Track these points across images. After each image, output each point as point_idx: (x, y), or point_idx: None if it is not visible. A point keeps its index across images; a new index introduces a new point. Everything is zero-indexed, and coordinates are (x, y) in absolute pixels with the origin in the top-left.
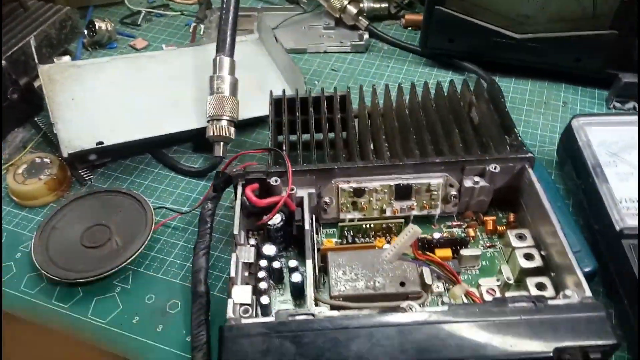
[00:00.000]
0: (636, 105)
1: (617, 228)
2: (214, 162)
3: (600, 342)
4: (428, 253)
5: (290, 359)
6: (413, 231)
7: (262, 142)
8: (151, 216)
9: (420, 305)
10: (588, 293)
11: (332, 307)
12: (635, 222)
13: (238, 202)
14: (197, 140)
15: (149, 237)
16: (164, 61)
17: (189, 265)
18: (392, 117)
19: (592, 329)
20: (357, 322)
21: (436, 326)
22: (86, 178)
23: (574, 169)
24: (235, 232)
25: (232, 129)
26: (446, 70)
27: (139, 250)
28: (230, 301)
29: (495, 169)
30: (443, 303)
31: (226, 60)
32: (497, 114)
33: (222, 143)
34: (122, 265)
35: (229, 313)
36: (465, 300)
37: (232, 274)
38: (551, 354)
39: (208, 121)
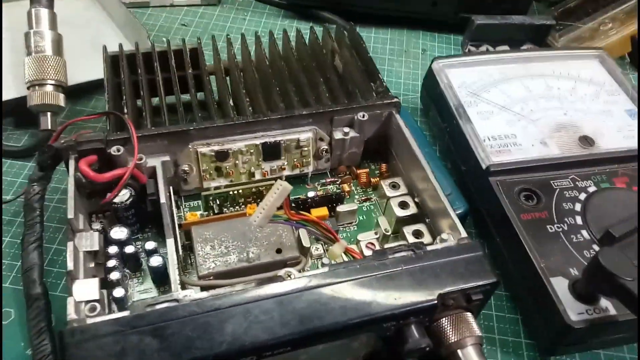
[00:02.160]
0: (489, 47)
1: (484, 166)
2: (42, 138)
3: (481, 282)
4: (302, 212)
5: (153, 358)
6: (282, 187)
7: (105, 106)
8: None
9: (299, 271)
10: (463, 234)
11: (203, 289)
12: (500, 159)
13: (71, 180)
14: (18, 113)
15: None
16: None
17: (20, 264)
18: (251, 70)
19: (471, 270)
20: (229, 301)
21: (317, 291)
22: None
23: (438, 112)
24: (70, 215)
25: (61, 95)
26: (306, 22)
27: None
28: (70, 300)
29: (363, 117)
30: (323, 265)
31: (44, 12)
32: (360, 61)
33: (48, 113)
34: None
35: (70, 314)
36: (345, 259)
37: (70, 266)
38: (435, 301)
39: (28, 88)
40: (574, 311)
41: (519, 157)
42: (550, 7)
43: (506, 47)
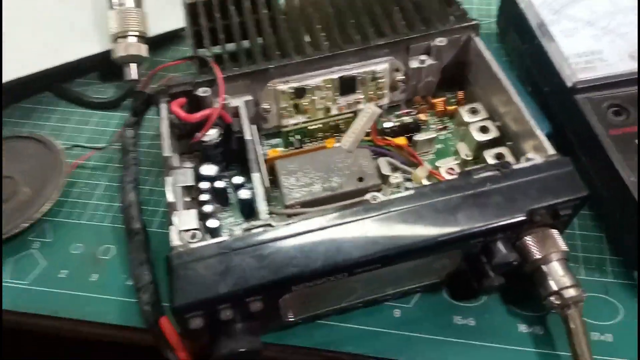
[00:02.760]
0: None
1: (569, 84)
2: (128, 88)
3: (573, 197)
4: (387, 138)
5: (255, 274)
6: (372, 111)
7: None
8: (62, 158)
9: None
10: (551, 151)
11: (291, 217)
12: (587, 75)
13: (164, 122)
14: (103, 67)
15: (62, 182)
16: None
17: (117, 205)
18: (324, 4)
19: (562, 185)
20: (319, 224)
21: (404, 211)
22: None
23: (517, 34)
24: (167, 153)
25: (144, 45)
26: None
27: (53, 198)
28: (172, 228)
29: (441, 42)
30: (407, 189)
31: None
32: None
33: (133, 64)
34: (36, 217)
35: (174, 240)
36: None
37: (170, 199)
38: (525, 217)
39: (113, 41)
40: None
41: (606, 72)
42: None
43: None
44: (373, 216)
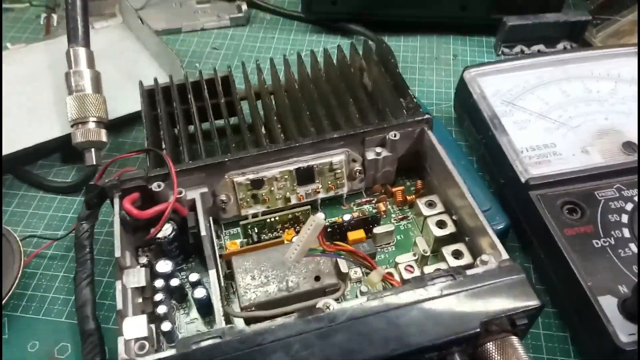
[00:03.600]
0: (524, 48)
1: (523, 180)
2: (88, 173)
3: (525, 307)
4: (336, 242)
5: None
6: (315, 223)
7: (144, 141)
8: (18, 248)
9: (338, 300)
10: (504, 255)
11: (246, 320)
12: (540, 171)
13: (116, 219)
14: (64, 149)
15: (19, 275)
16: (12, 62)
17: (74, 300)
18: (282, 95)
19: (515, 294)
20: (271, 336)
21: (356, 322)
22: None
23: (472, 123)
24: (117, 254)
25: (103, 130)
26: (334, 36)
27: (10, 292)
28: (120, 339)
29: (395, 136)
30: (362, 293)
31: (82, 51)
32: (389, 77)
33: (93, 149)
34: None
35: (121, 353)
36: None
37: (119, 306)
38: (478, 329)
39: (72, 126)
40: (624, 332)
41: (559, 168)
42: (585, 1)
43: (541, 47)
44: (324, 328)
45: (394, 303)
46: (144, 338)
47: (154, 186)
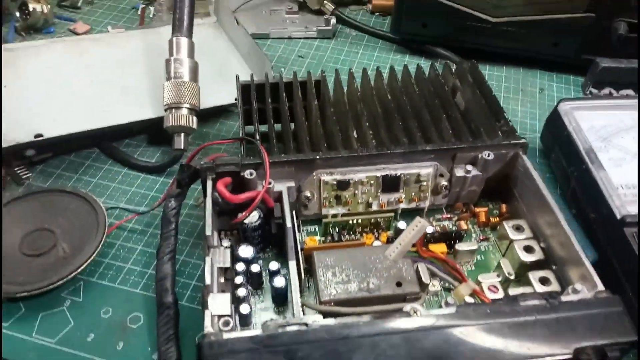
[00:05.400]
0: (612, 91)
1: (618, 216)
2: (174, 156)
3: (620, 340)
4: (431, 249)
5: None
6: (421, 225)
7: (226, 133)
8: (103, 218)
9: (423, 307)
10: (600, 286)
11: (322, 314)
12: (635, 209)
13: (209, 200)
14: (152, 131)
15: (102, 242)
16: (110, 44)
17: (151, 272)
18: (373, 103)
19: (610, 325)
20: (357, 331)
21: (445, 331)
22: (23, 176)
23: (563, 156)
24: (208, 233)
25: (194, 118)
26: (418, 57)
27: (91, 258)
28: (207, 313)
29: (488, 156)
30: (448, 304)
31: (184, 41)
32: (483, 99)
33: (182, 134)
34: (72, 275)
35: (207, 327)
36: (471, 300)
37: (208, 281)
38: (570, 355)
39: (166, 110)
40: None
41: None
42: None
43: (630, 91)
44: (412, 331)
45: (484, 317)
46: (228, 315)
47: (247, 174)
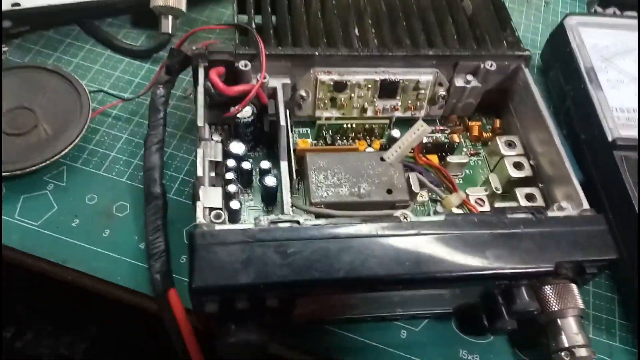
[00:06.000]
0: (617, 11)
1: (610, 138)
2: (161, 41)
3: (602, 257)
4: (427, 156)
5: (276, 271)
6: (422, 129)
7: (216, 21)
8: (87, 100)
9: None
10: (586, 205)
11: (315, 216)
12: (629, 133)
13: (200, 89)
14: (136, 12)
15: (86, 126)
16: None
17: (137, 162)
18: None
19: (594, 243)
20: (347, 231)
21: (434, 237)
22: None
23: (562, 73)
24: (200, 124)
25: None
26: None
27: (75, 141)
28: (199, 204)
29: (491, 66)
30: (437, 212)
31: None
32: (492, 5)
33: (170, 17)
34: (55, 157)
35: (199, 217)
36: (460, 211)
37: (200, 173)
38: (552, 268)
39: None
40: None
41: None
42: None
43: (634, 13)
44: (402, 235)
45: (473, 226)
46: (219, 209)
47: (241, 64)
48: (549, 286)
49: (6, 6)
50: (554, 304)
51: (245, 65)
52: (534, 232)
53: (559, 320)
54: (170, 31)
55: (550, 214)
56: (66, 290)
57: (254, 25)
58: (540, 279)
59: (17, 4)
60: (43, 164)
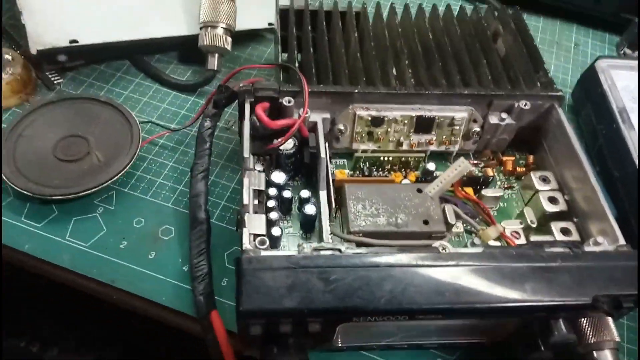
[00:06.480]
0: None
1: None
2: (207, 76)
3: (637, 292)
4: (466, 190)
5: (319, 297)
6: (463, 166)
7: (258, 59)
8: (137, 130)
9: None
10: (622, 241)
11: (349, 243)
12: None
13: (247, 123)
14: (184, 49)
15: (136, 154)
16: None
17: (182, 188)
18: (414, 40)
19: (628, 278)
20: (387, 260)
21: (473, 268)
22: (54, 82)
23: (594, 113)
24: (246, 155)
25: (229, 38)
26: (455, 0)
27: (126, 168)
28: (245, 231)
29: (525, 105)
30: (474, 244)
31: None
32: (525, 47)
33: (217, 54)
34: (107, 183)
35: (246, 244)
36: (497, 243)
37: (245, 201)
38: (589, 301)
39: (201, 28)
40: None
41: None
42: None
43: None
44: (441, 266)
45: (510, 259)
46: (263, 235)
47: (285, 100)
48: (585, 319)
49: (64, 42)
50: (591, 336)
51: (289, 102)
52: (571, 266)
53: (594, 353)
54: (216, 68)
55: (587, 248)
56: (114, 310)
57: (296, 64)
58: (577, 311)
59: (75, 41)
60: (95, 189)
